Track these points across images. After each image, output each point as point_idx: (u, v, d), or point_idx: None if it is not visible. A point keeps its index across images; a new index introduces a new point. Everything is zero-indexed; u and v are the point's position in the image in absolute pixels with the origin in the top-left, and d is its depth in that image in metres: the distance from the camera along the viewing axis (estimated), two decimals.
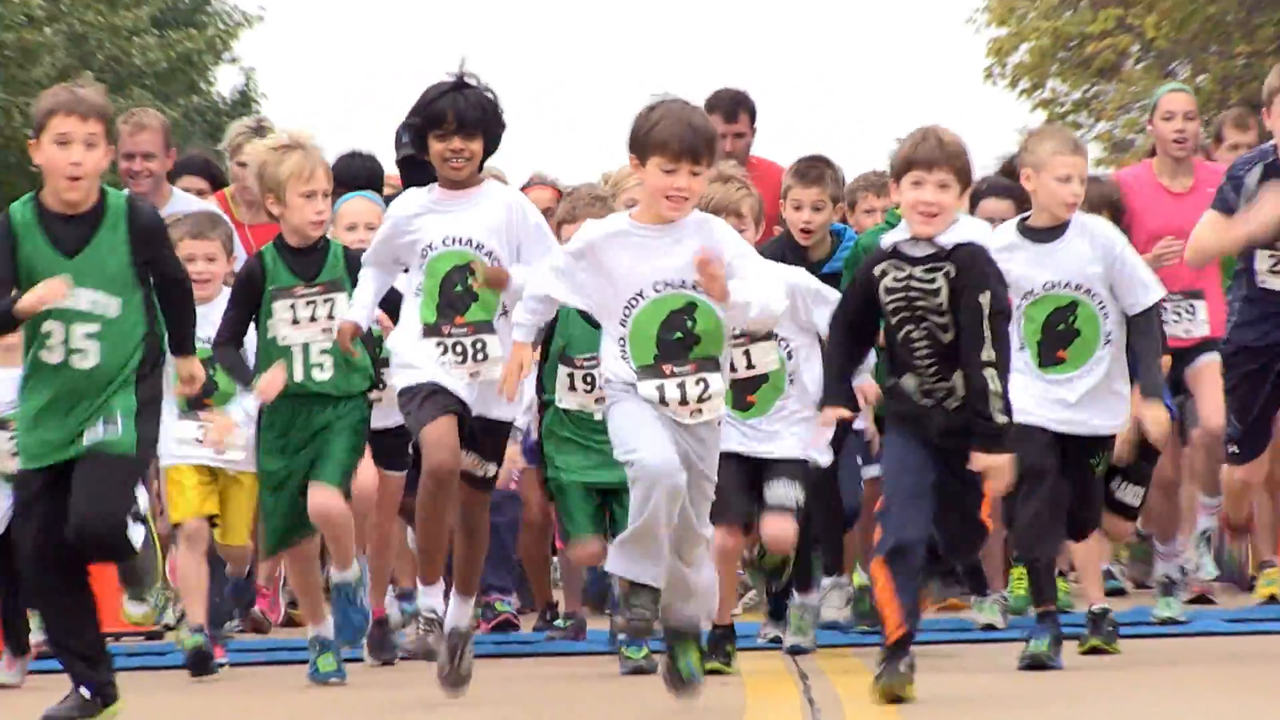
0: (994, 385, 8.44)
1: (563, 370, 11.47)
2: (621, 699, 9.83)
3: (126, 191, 8.46)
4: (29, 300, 7.73)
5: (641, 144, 8.11)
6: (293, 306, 10.34)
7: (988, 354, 8.38)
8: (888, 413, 8.79)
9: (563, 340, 11.46)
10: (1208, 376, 13.39)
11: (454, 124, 9.67)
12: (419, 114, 9.78)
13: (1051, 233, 9.87)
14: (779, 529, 10.20)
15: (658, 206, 8.16)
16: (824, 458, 10.87)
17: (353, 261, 10.70)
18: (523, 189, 14.46)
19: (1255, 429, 10.71)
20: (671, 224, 8.18)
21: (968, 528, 8.49)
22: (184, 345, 8.45)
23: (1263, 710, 8.64)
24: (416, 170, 13.70)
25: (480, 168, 10.23)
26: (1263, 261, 10.39)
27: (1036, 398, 9.80)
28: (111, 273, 7.84)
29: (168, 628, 13.28)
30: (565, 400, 11.19)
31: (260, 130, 10.23)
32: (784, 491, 10.28)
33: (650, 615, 8.21)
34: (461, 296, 9.13)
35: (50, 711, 8.17)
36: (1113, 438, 10.46)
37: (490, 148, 9.94)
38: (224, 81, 43.68)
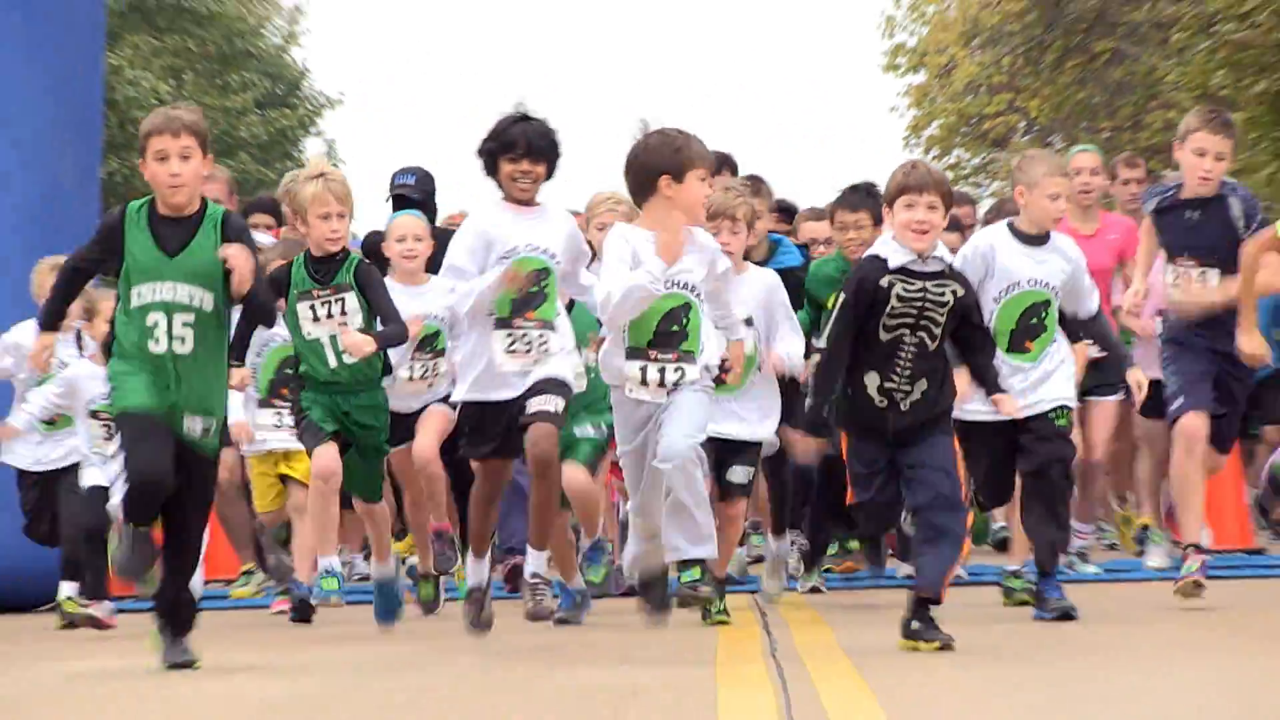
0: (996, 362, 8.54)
1: None
2: (616, 630, 9.74)
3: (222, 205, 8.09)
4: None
5: (678, 164, 7.80)
6: (311, 307, 9.82)
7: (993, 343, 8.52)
8: (845, 420, 8.22)
9: None
10: (1100, 412, 12.93)
11: (523, 148, 9.28)
12: (494, 139, 9.31)
13: (1037, 239, 9.45)
14: (736, 508, 9.87)
15: (695, 214, 7.92)
16: (772, 438, 10.33)
17: (360, 272, 10.21)
18: None
19: (1197, 385, 9.85)
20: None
21: (947, 479, 7.98)
22: (241, 351, 8.63)
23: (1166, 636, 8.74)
24: (405, 206, 13.88)
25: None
26: (1169, 274, 10.04)
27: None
28: (206, 270, 7.52)
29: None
30: None
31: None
32: (741, 473, 9.86)
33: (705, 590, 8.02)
34: (535, 296, 8.64)
35: (169, 659, 8.08)
36: (1067, 404, 9.86)
37: (550, 172, 9.50)
38: (311, 151, 44.06)
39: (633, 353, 7.71)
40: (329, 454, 10.07)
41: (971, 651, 7.91)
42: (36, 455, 11.71)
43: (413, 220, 11.69)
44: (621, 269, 7.93)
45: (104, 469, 10.89)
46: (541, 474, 9.22)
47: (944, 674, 7.28)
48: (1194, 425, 9.57)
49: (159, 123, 7.65)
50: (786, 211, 15.26)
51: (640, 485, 7.86)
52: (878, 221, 10.11)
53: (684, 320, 7.69)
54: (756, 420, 9.96)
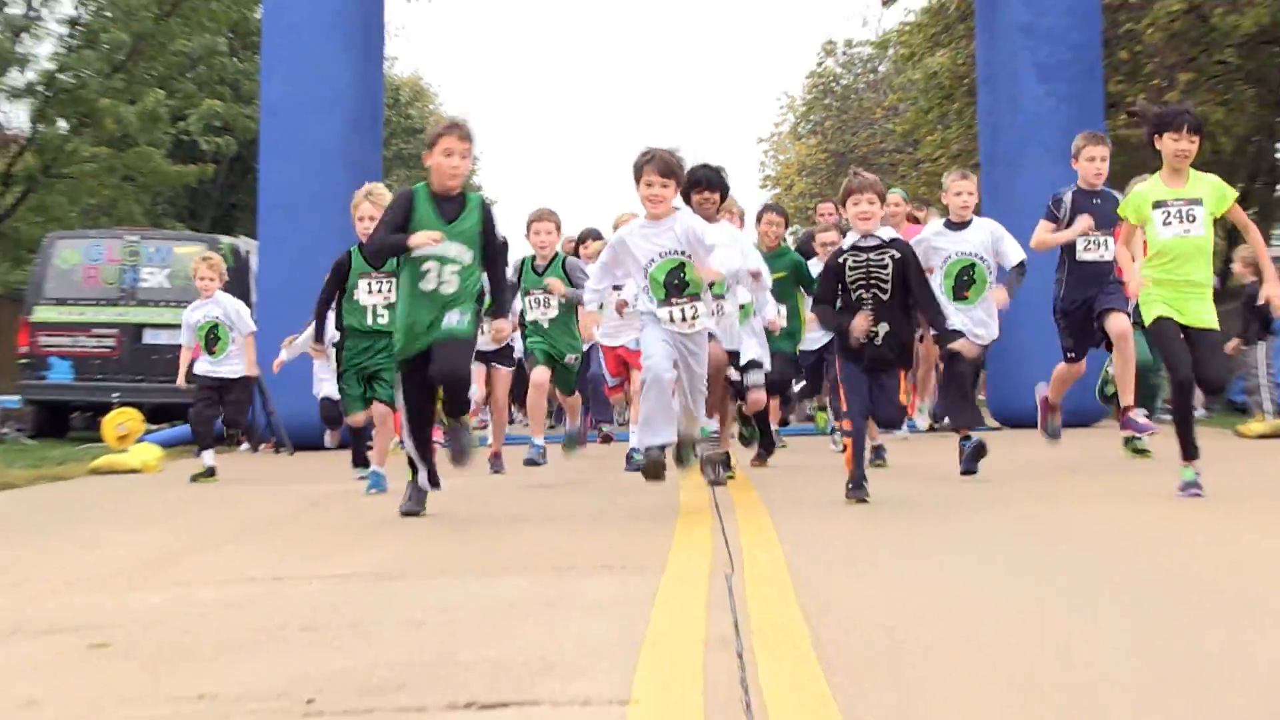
0: (946, 309, 6.97)
1: (525, 300, 8.55)
2: (625, 478, 7.65)
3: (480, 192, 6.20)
4: (417, 239, 5.92)
5: (637, 171, 6.12)
6: (369, 284, 7.63)
7: (939, 295, 6.93)
8: (838, 347, 6.58)
9: (524, 286, 8.50)
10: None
11: (705, 183, 7.31)
12: (687, 179, 7.08)
13: (961, 226, 7.77)
14: (757, 397, 7.71)
15: (646, 207, 6.19)
16: (766, 361, 8.04)
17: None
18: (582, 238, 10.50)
19: (1081, 345, 7.86)
20: (665, 218, 6.10)
21: (894, 408, 6.55)
22: (502, 307, 6.38)
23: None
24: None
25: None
26: (1080, 242, 7.79)
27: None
28: (469, 235, 5.89)
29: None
30: (530, 314, 8.52)
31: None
32: (756, 377, 7.67)
33: (658, 457, 6.11)
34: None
35: (405, 507, 6.02)
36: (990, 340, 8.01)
37: (723, 197, 7.48)
38: None
39: (660, 304, 6.09)
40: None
41: (855, 507, 5.99)
42: (209, 370, 9.21)
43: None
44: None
45: (332, 385, 8.90)
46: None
47: (826, 518, 5.73)
48: (1077, 372, 8.03)
49: (448, 128, 6.10)
50: None
51: (655, 354, 6.17)
52: (787, 224, 8.23)
53: (682, 275, 6.11)
54: (758, 346, 7.88)
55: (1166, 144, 6.02)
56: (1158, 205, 6.03)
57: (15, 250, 21.20)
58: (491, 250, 6.15)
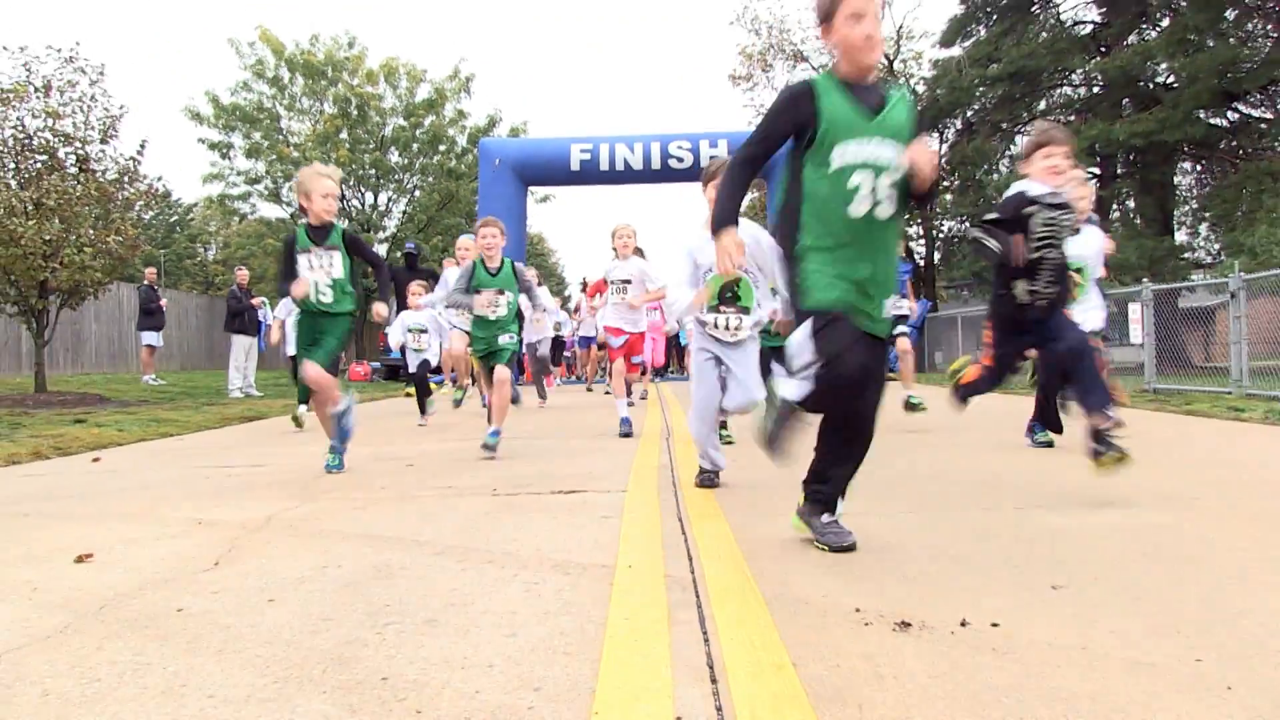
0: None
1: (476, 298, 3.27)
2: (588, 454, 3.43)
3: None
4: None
5: (707, 179, 2.30)
6: (309, 259, 2.76)
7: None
8: (995, 313, 2.13)
9: (475, 285, 3.32)
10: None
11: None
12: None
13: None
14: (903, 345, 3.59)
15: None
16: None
17: (347, 238, 2.84)
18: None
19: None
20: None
21: (1080, 348, 1.96)
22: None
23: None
24: (409, 261, 7.23)
25: None
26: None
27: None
28: (900, 129, 1.04)
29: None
30: (478, 310, 3.29)
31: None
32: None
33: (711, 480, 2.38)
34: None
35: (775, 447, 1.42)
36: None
37: None
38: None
39: (710, 309, 2.39)
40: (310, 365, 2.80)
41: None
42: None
43: (468, 239, 4.90)
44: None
45: (421, 354, 5.08)
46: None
47: (763, 479, 2.86)
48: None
49: None
50: None
51: (702, 382, 2.42)
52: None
53: (736, 289, 2.36)
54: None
55: None
56: None
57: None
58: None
